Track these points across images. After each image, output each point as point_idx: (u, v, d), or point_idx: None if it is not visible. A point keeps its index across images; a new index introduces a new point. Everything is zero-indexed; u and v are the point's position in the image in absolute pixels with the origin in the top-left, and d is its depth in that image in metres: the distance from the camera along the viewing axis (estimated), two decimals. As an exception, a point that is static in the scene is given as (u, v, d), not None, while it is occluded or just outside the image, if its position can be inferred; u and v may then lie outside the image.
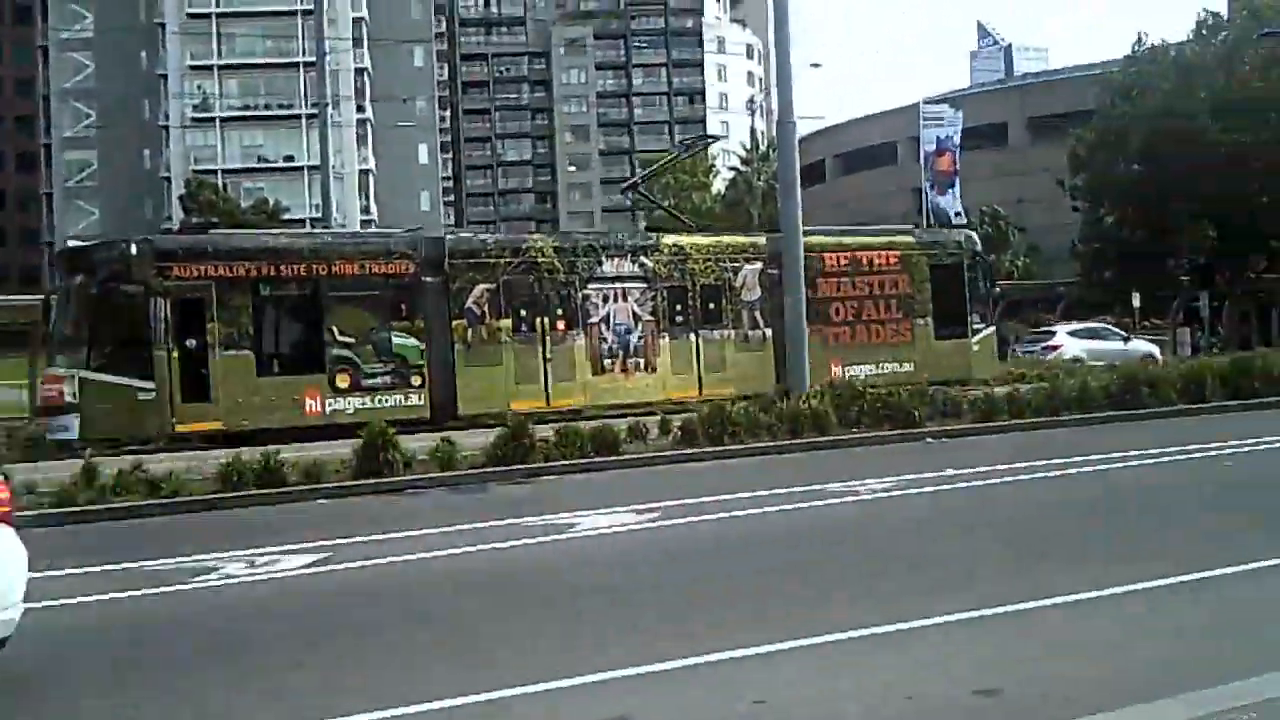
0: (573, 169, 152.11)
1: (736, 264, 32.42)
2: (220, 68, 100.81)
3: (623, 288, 31.11)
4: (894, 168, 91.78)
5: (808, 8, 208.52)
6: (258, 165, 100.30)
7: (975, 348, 35.31)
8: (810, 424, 23.50)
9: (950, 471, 18.11)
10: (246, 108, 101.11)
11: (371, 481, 19.39)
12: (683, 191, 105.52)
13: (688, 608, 10.27)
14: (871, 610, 9.50)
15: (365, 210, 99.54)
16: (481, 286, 29.43)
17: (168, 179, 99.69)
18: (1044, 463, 18.69)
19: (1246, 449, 19.90)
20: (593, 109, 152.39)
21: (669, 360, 31.32)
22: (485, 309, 29.43)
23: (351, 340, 27.92)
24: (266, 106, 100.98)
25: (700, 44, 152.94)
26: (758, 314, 32.38)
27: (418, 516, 16.37)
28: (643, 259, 31.45)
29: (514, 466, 20.55)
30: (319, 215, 54.74)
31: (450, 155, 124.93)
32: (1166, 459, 19.09)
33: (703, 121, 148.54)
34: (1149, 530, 13.20)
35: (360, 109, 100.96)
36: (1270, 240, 60.02)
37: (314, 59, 45.23)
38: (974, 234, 40.19)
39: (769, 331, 32.03)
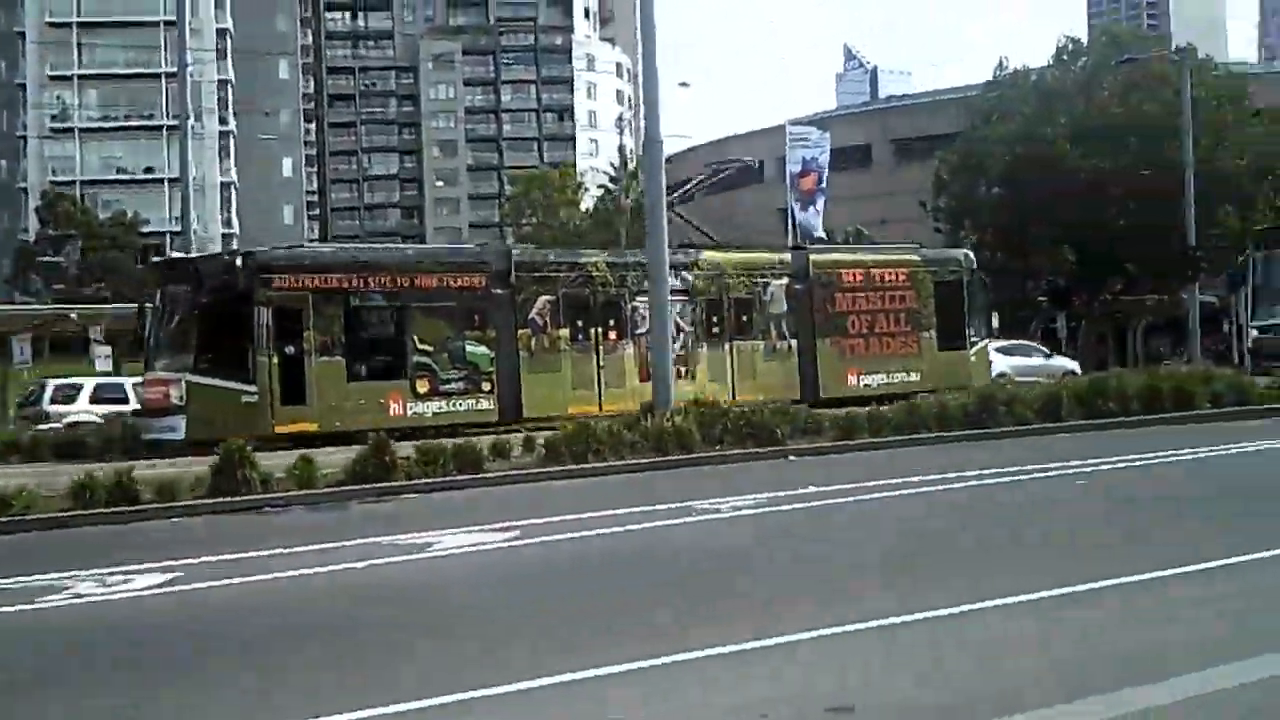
0: (440, 184, 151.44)
1: (765, 279, 35.00)
2: (80, 78, 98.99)
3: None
4: (761, 187, 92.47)
5: (677, 28, 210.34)
6: (117, 177, 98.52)
7: (973, 359, 37.56)
8: (675, 442, 23.52)
9: (811, 489, 18.22)
10: (106, 119, 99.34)
11: (227, 500, 19.05)
12: (552, 208, 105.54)
13: (539, 627, 10.16)
14: (726, 629, 9.45)
15: (227, 224, 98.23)
16: (543, 298, 31.68)
17: (25, 190, 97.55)
18: (903, 480, 18.85)
19: (1107, 467, 20.30)
20: (461, 124, 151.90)
21: (706, 368, 33.36)
22: (546, 319, 31.65)
23: (430, 348, 30.03)
24: (127, 118, 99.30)
25: (570, 61, 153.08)
26: (784, 325, 34.92)
27: (274, 535, 16.09)
28: (684, 274, 33.04)
29: (375, 485, 20.32)
30: (179, 229, 53.75)
31: (315, 169, 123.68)
32: (1024, 476, 19.37)
33: (572, 139, 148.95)
34: (1009, 547, 13.36)
35: (223, 121, 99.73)
36: (1126, 264, 61.40)
37: (176, 70, 44.45)
38: (970, 253, 42.58)
39: (794, 342, 34.81)
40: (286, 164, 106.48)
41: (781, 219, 64.19)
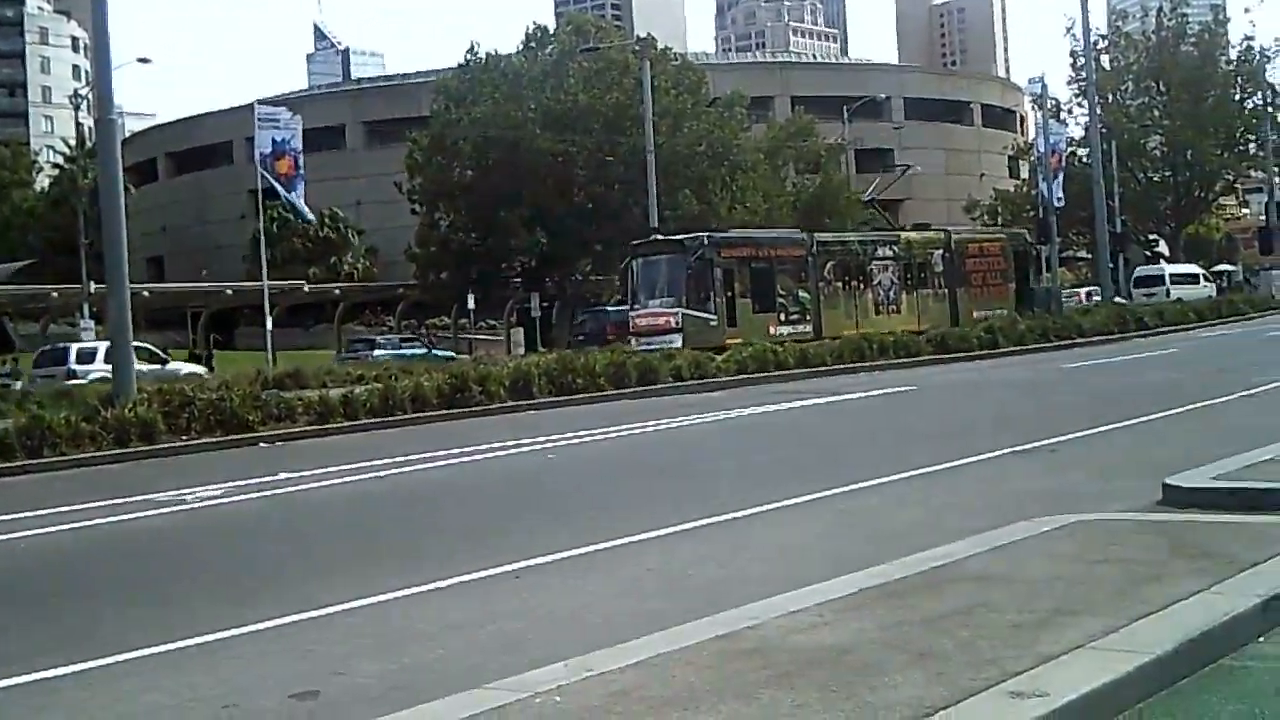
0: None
1: (931, 250, 51.37)
2: None
3: (885, 263, 49.57)
4: (231, 168, 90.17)
5: (138, 1, 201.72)
6: None
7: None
8: (138, 433, 22.47)
9: (283, 475, 17.83)
10: None
11: None
12: (3, 188, 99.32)
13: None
14: (179, 624, 9.09)
15: None
16: (829, 263, 47.75)
17: None
18: (378, 462, 18.76)
19: (576, 441, 20.89)
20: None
21: (904, 308, 49.23)
22: (833, 275, 47.68)
23: (784, 294, 45.95)
24: None
25: (22, 34, 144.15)
26: (940, 280, 51.03)
27: None
28: (892, 246, 50.22)
29: None
30: None
31: None
32: (502, 453, 19.70)
33: (25, 116, 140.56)
34: (468, 527, 13.48)
35: None
36: (595, 244, 63.41)
37: None
38: (1027, 232, 59.60)
39: (944, 292, 50.89)
40: None
41: (252, 200, 62.69)
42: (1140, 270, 74.35)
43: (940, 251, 51.69)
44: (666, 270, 44.18)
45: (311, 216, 58.95)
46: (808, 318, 46.07)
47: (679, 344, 39.71)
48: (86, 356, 42.57)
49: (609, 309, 57.93)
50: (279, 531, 13.90)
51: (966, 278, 51.96)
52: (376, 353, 51.37)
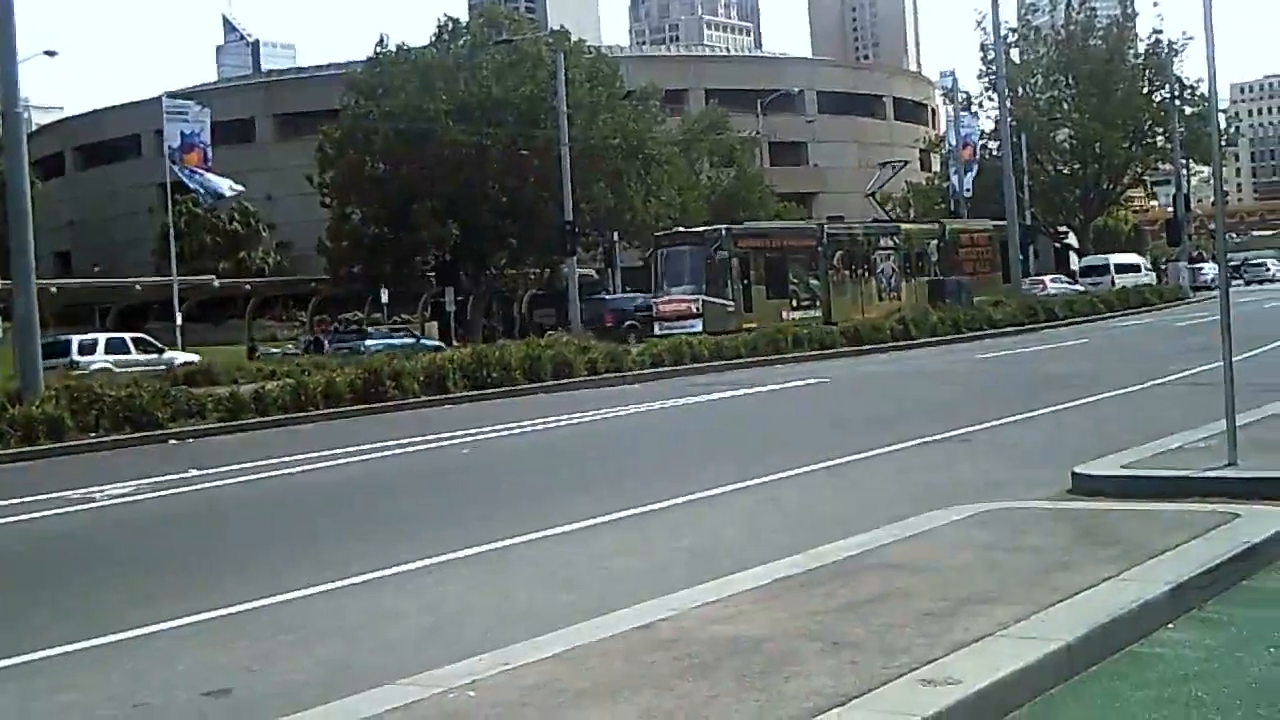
0: None
1: (928, 241, 56.84)
2: None
3: (887, 253, 54.53)
4: (139, 161, 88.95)
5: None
6: None
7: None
8: (45, 430, 22.12)
9: (194, 472, 17.63)
10: None
11: None
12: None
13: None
14: (91, 623, 8.96)
15: None
16: (839, 253, 52.60)
17: None
18: (287, 459, 18.61)
19: (493, 436, 20.81)
20: None
21: (902, 294, 53.69)
22: (841, 264, 52.56)
23: (796, 281, 50.73)
24: None
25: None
26: (936, 269, 56.37)
27: None
28: (894, 238, 55.17)
29: None
30: None
31: None
32: (412, 449, 19.60)
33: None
34: (382, 523, 13.40)
35: None
36: (509, 238, 63.09)
37: None
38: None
39: (934, 278, 55.59)
40: None
41: (161, 194, 61.97)
42: (1087, 260, 79.35)
43: (935, 241, 56.97)
44: (688, 260, 48.27)
45: (238, 188, 58.37)
46: (818, 303, 50.45)
47: (699, 328, 43.50)
48: (88, 348, 43.75)
49: (606, 297, 59.70)
50: (191, 529, 13.73)
51: (959, 266, 56.75)
52: (368, 343, 50.71)
